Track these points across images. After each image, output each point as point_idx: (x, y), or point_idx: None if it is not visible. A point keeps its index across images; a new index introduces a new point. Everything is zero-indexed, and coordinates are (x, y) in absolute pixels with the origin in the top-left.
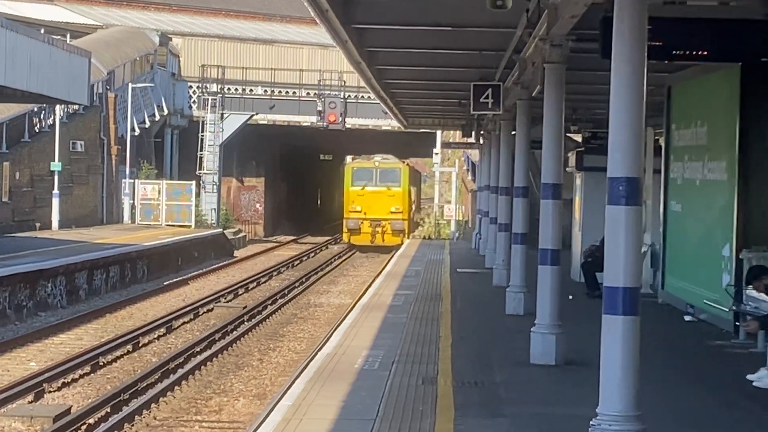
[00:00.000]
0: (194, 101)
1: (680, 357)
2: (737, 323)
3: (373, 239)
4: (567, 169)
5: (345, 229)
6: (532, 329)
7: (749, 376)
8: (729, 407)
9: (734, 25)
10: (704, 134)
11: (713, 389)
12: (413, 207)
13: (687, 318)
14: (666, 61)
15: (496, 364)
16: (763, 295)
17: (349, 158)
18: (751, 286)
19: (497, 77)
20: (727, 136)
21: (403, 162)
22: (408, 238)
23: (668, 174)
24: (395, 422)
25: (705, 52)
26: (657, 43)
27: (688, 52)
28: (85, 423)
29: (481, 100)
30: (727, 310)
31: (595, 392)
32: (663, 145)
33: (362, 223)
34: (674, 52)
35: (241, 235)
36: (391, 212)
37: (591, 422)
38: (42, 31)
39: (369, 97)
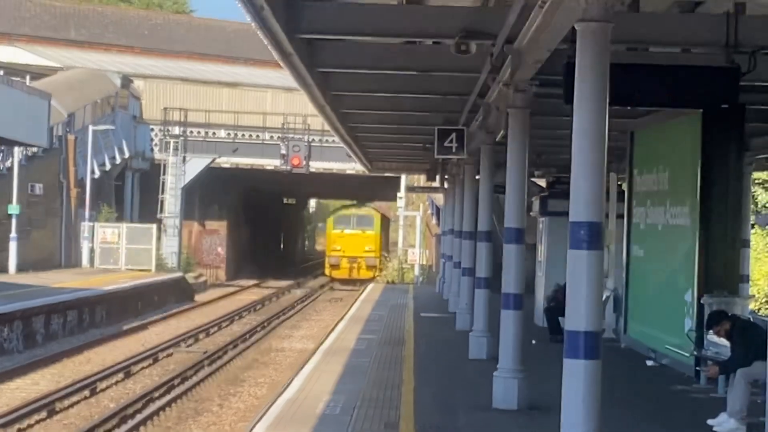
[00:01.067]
0: (156, 144)
1: (642, 401)
2: (698, 368)
3: (351, 273)
4: (531, 213)
5: (327, 265)
6: (494, 373)
7: (710, 421)
8: None
9: (695, 71)
10: (666, 180)
11: None
12: (383, 247)
13: (649, 363)
14: (628, 107)
15: (459, 408)
16: (723, 340)
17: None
18: (711, 331)
19: (462, 121)
20: (688, 182)
21: (376, 210)
22: (379, 272)
23: (631, 219)
24: None
25: (666, 99)
26: (619, 90)
27: (650, 99)
28: None
29: (446, 144)
30: (689, 355)
31: None
32: (626, 190)
33: (341, 259)
34: (636, 98)
35: (202, 279)
36: (366, 251)
37: None
38: (1, 72)
39: (333, 140)
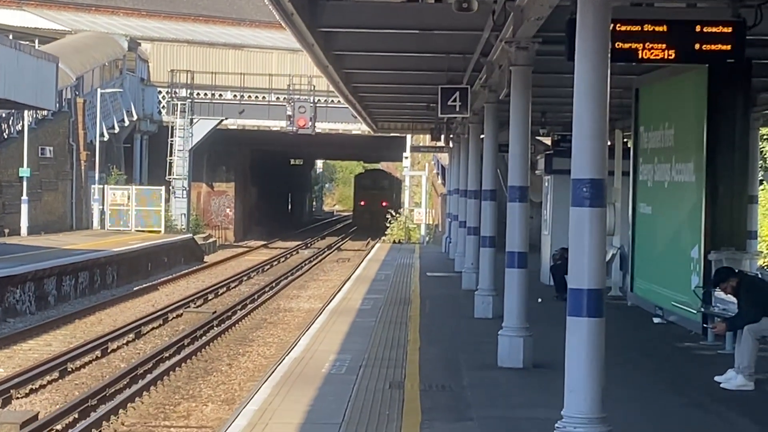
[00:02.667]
0: (163, 106)
1: (649, 359)
2: (705, 325)
3: (371, 222)
4: (536, 171)
5: (354, 216)
6: (499, 332)
7: (717, 378)
8: (697, 408)
9: (701, 26)
10: (672, 136)
11: (681, 391)
12: (394, 204)
13: (656, 320)
14: (632, 64)
15: (464, 367)
16: (730, 297)
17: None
18: (718, 287)
19: (465, 80)
20: (694, 138)
21: (388, 172)
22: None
23: (637, 176)
24: (361, 426)
25: (672, 54)
26: (623, 45)
27: (654, 55)
28: (52, 429)
29: (449, 103)
30: (696, 312)
31: (562, 395)
32: (631, 147)
33: (365, 212)
34: (640, 54)
35: (211, 240)
36: (382, 205)
37: (556, 425)
38: (10, 36)
39: (338, 101)
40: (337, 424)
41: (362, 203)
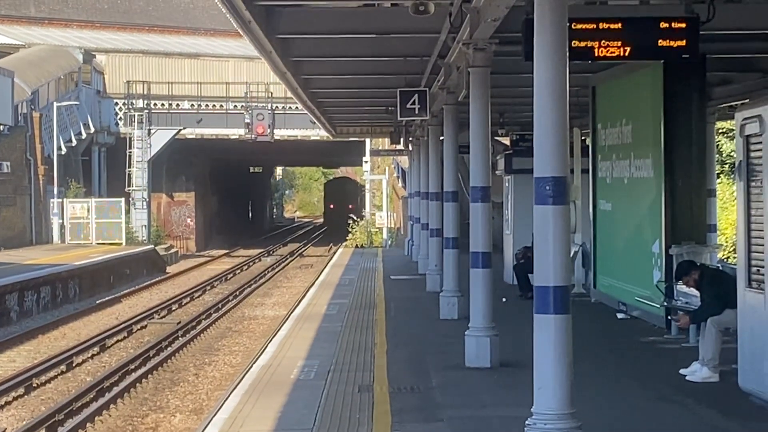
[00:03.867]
0: (121, 118)
1: (614, 354)
2: (669, 318)
3: (338, 223)
4: (496, 172)
5: (324, 218)
6: (466, 332)
7: (682, 371)
8: (663, 401)
9: (654, 23)
10: (630, 133)
11: (647, 384)
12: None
13: (620, 315)
14: (588, 62)
15: (432, 368)
16: (693, 290)
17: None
18: (681, 281)
19: (423, 83)
20: (652, 134)
21: (351, 179)
22: (357, 221)
23: (596, 173)
24: (332, 431)
25: (627, 51)
26: (579, 44)
27: (610, 52)
28: None
29: (408, 106)
30: (659, 306)
31: (530, 392)
32: (590, 144)
33: (333, 214)
34: (597, 52)
35: (172, 250)
36: (349, 207)
37: (526, 422)
38: None
39: (297, 107)
40: (308, 429)
41: (331, 206)
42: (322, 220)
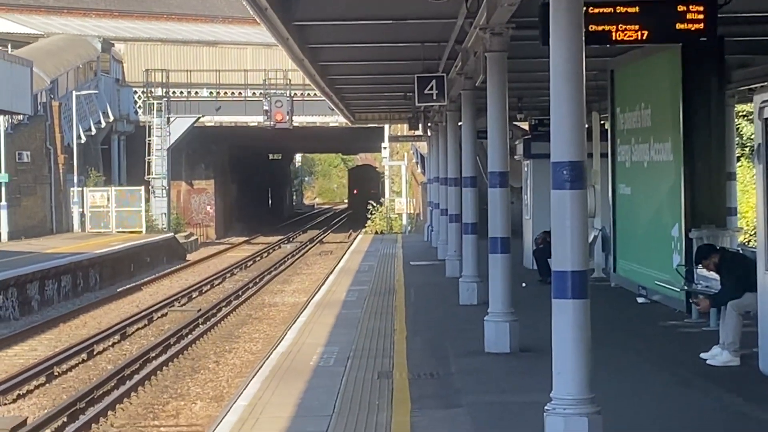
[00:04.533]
0: (140, 106)
1: (634, 338)
2: (689, 302)
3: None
4: (515, 157)
5: (349, 202)
6: (485, 318)
7: (703, 355)
8: (683, 386)
9: (672, 5)
10: (649, 116)
11: (667, 369)
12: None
13: (640, 300)
14: (606, 45)
15: (451, 354)
16: (713, 274)
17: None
18: (701, 265)
19: (441, 68)
20: (671, 117)
21: (372, 166)
22: (379, 205)
23: (615, 157)
24: (352, 417)
25: (645, 35)
26: (596, 28)
27: (628, 36)
28: None
29: (426, 91)
30: (679, 290)
31: (550, 377)
32: (609, 128)
33: (357, 198)
34: (614, 35)
35: (192, 238)
36: (371, 192)
37: (545, 407)
38: None
39: (315, 94)
40: (328, 415)
41: (355, 192)
42: (346, 204)
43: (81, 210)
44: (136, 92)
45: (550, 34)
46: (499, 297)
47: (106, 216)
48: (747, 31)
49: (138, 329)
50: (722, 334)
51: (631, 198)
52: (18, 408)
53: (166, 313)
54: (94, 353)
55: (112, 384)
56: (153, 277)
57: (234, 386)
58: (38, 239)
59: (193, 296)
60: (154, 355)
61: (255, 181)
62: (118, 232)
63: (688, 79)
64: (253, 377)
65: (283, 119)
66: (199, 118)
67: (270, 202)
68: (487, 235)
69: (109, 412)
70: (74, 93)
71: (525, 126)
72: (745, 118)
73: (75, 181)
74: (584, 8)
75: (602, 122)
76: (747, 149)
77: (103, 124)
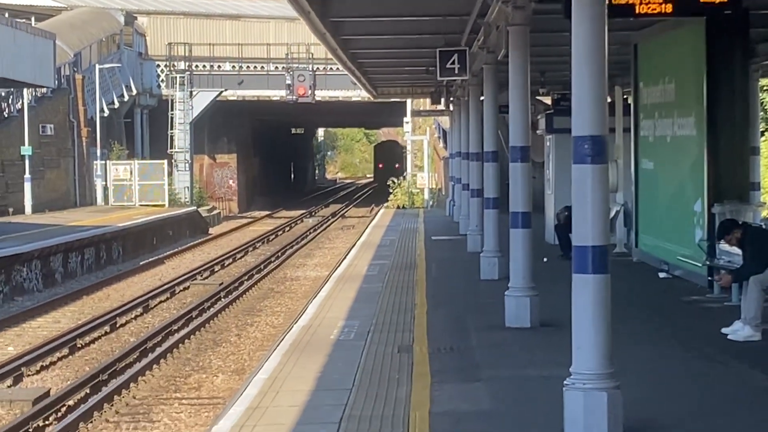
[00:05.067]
0: (162, 80)
1: (655, 313)
2: (711, 278)
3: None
4: (538, 131)
5: (374, 175)
6: (506, 293)
7: (724, 330)
8: (705, 361)
9: None
10: (672, 91)
11: (689, 344)
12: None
13: (661, 275)
14: (630, 19)
15: (472, 329)
16: (735, 249)
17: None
18: (723, 240)
19: (463, 42)
20: (694, 92)
21: (396, 141)
22: (403, 179)
23: (638, 132)
24: (371, 391)
25: (669, 8)
26: (619, 1)
27: (652, 9)
28: (64, 405)
29: (448, 66)
30: (701, 265)
31: (570, 352)
32: (632, 103)
33: (382, 171)
34: (638, 9)
35: (215, 212)
36: (395, 167)
37: (565, 382)
38: (6, 14)
39: (337, 68)
40: (348, 389)
41: (380, 166)
42: (370, 179)
43: (104, 183)
44: (158, 66)
45: (572, 7)
46: (519, 272)
47: (129, 189)
48: None
49: (160, 302)
50: (744, 309)
51: (653, 173)
52: (41, 379)
53: (189, 287)
54: (117, 326)
55: (135, 356)
56: (175, 250)
57: (255, 359)
58: (61, 212)
59: (216, 270)
60: (176, 328)
61: (277, 155)
62: (141, 205)
63: (712, 53)
64: (274, 351)
65: (306, 93)
66: (221, 92)
67: (292, 176)
68: (508, 210)
69: (132, 384)
70: (97, 66)
71: (548, 100)
72: None
73: (98, 154)
74: None
75: (625, 97)
76: None
77: (126, 98)
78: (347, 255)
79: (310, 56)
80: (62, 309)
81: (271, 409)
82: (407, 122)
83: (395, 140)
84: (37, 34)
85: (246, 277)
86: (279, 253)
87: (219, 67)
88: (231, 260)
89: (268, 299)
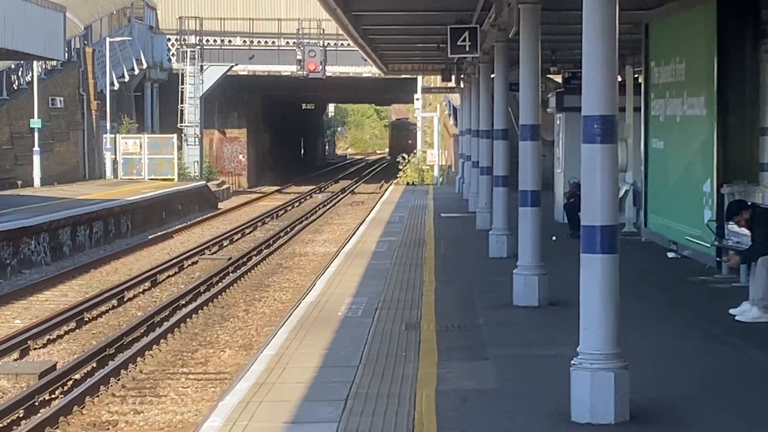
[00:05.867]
0: (173, 54)
1: (663, 293)
2: (719, 258)
3: (400, 152)
4: (548, 109)
5: (389, 151)
6: (514, 271)
7: (732, 311)
8: (712, 341)
9: None
10: (683, 71)
11: (696, 324)
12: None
13: (670, 255)
14: None
15: (479, 307)
16: (744, 230)
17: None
18: (732, 220)
19: (474, 20)
20: (705, 72)
21: (410, 121)
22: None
23: (648, 112)
24: (378, 368)
25: None
26: None
27: None
28: (70, 379)
29: (459, 43)
30: (710, 245)
31: (577, 332)
32: (642, 83)
33: (396, 146)
34: None
35: (224, 186)
36: (408, 143)
37: (572, 361)
38: None
39: (348, 44)
40: (355, 366)
41: (395, 142)
42: (380, 154)
43: (113, 157)
44: (169, 39)
45: None
46: (528, 250)
47: (138, 163)
48: None
49: (168, 276)
50: (752, 290)
51: (663, 152)
52: (48, 353)
53: (197, 261)
54: (125, 300)
55: (142, 330)
56: (184, 225)
57: (263, 335)
58: (70, 185)
59: (224, 245)
60: (184, 302)
61: (287, 130)
62: (150, 179)
63: (723, 34)
64: (282, 327)
65: (316, 69)
66: (232, 66)
67: (302, 151)
68: (518, 188)
69: (138, 359)
70: (108, 39)
71: (558, 79)
72: None
73: (108, 127)
74: None
75: (636, 76)
76: None
77: (137, 71)
78: (356, 231)
79: (321, 32)
80: (70, 282)
81: (278, 386)
82: (418, 99)
83: (408, 119)
84: (47, 7)
85: (255, 253)
86: (288, 229)
87: (230, 41)
88: (240, 235)
89: (277, 275)
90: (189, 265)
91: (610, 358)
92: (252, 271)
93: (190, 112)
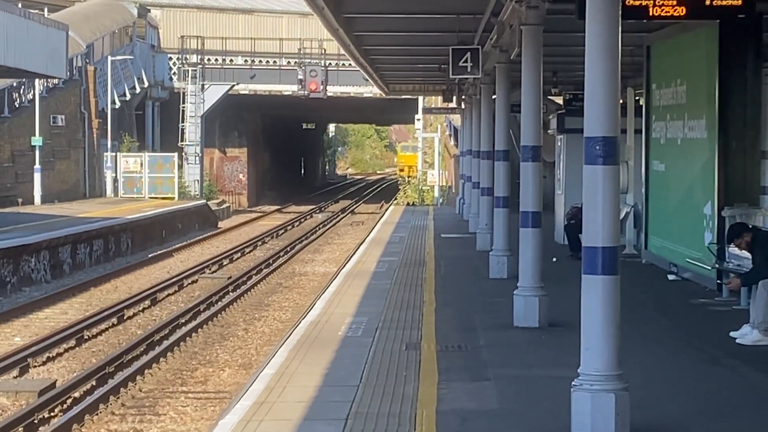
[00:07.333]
0: (174, 73)
1: (664, 316)
2: (720, 281)
3: (408, 173)
4: (549, 131)
5: (398, 171)
6: (514, 292)
7: (733, 333)
8: (712, 364)
9: None
10: (684, 93)
11: (697, 347)
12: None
13: (670, 277)
14: (643, 21)
15: (480, 327)
16: (745, 253)
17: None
18: (732, 243)
19: (476, 41)
20: (706, 95)
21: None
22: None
23: (649, 134)
24: (378, 388)
25: (682, 11)
26: (634, 2)
27: (665, 11)
28: (70, 397)
29: (460, 64)
30: (710, 268)
31: (578, 353)
32: (644, 104)
33: (405, 168)
34: (651, 11)
35: (224, 205)
36: (414, 163)
37: (573, 382)
38: (19, 5)
39: (350, 64)
40: (355, 386)
41: (402, 164)
42: (380, 175)
43: (114, 175)
44: (171, 59)
45: (586, 8)
46: (529, 271)
47: (138, 181)
48: None
49: (168, 295)
50: (753, 313)
51: (664, 175)
52: (47, 371)
53: (197, 280)
54: (125, 318)
55: (142, 349)
56: (184, 243)
57: (263, 354)
58: (71, 203)
59: (224, 264)
60: (183, 321)
61: (288, 150)
62: (151, 198)
63: (724, 57)
64: (282, 346)
65: (318, 89)
66: (233, 85)
67: (302, 171)
68: (518, 209)
69: (138, 377)
70: (109, 58)
71: (559, 100)
72: None
73: (109, 146)
74: None
75: (637, 98)
76: None
77: (138, 90)
78: (356, 251)
79: (323, 52)
80: (70, 300)
81: (278, 405)
82: (419, 119)
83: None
84: (49, 25)
85: (254, 272)
86: (288, 248)
87: (231, 60)
88: (240, 254)
89: (277, 294)
90: (189, 283)
91: (611, 380)
92: (252, 290)
93: (191, 130)
